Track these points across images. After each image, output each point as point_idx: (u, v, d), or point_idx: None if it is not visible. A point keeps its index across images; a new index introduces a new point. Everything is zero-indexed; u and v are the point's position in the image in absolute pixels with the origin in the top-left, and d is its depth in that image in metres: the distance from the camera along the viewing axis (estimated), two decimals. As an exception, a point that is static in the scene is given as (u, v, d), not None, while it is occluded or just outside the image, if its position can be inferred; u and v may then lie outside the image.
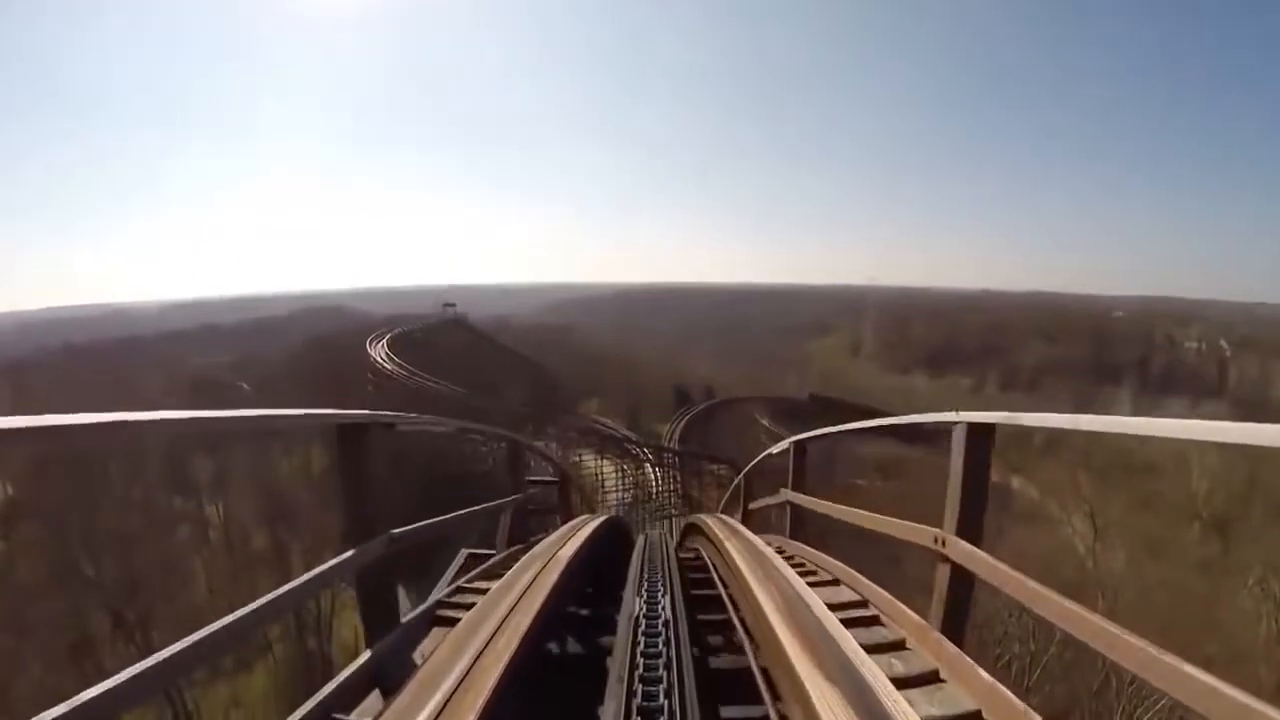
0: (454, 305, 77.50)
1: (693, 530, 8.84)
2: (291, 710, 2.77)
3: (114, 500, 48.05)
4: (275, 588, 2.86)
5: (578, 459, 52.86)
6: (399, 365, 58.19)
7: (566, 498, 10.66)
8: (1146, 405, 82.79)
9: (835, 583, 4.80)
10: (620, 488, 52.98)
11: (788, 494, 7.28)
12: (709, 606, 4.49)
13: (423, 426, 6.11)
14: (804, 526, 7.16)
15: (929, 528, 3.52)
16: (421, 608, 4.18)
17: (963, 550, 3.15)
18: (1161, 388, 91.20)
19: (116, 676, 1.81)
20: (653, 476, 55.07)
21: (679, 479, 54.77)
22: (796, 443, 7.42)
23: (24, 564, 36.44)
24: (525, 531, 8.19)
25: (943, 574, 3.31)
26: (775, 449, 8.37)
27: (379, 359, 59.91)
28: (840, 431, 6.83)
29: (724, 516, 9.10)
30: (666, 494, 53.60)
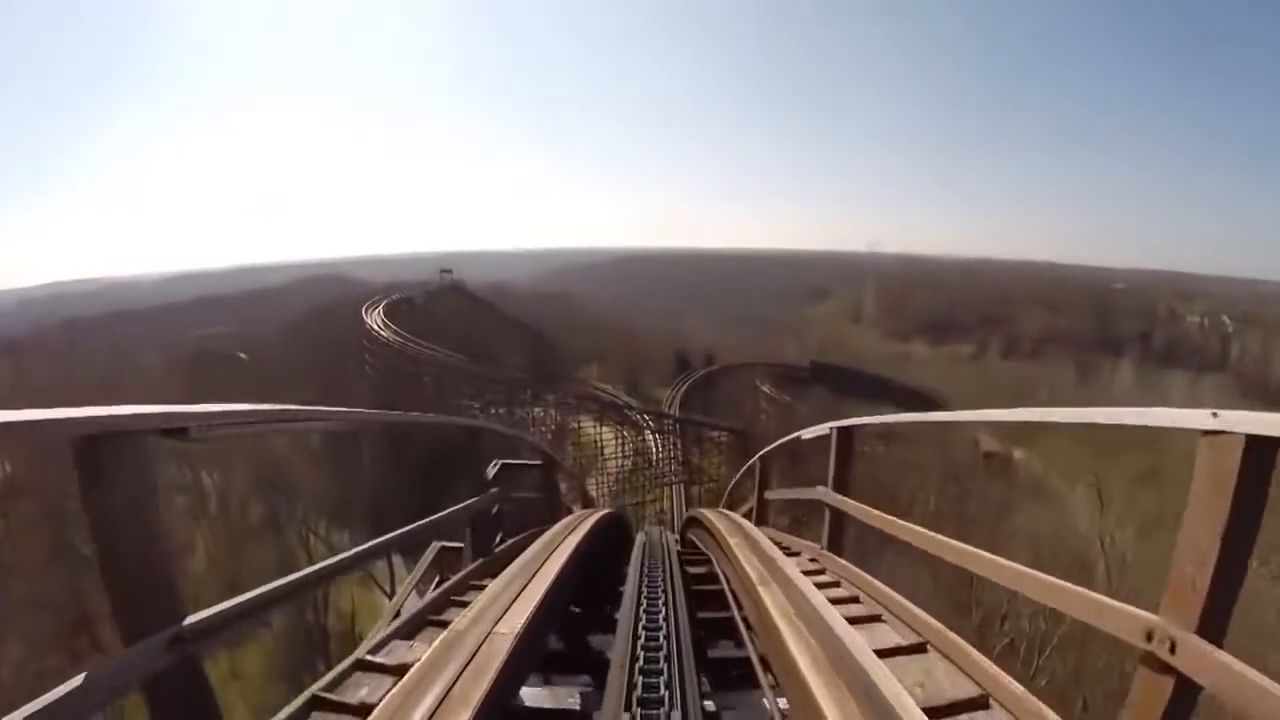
0: (450, 271, 75.96)
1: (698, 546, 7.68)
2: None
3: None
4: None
5: (577, 425, 52.03)
6: (395, 333, 56.99)
7: (553, 490, 9.11)
8: (1148, 378, 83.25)
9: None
10: (620, 455, 52.18)
11: (825, 493, 5.18)
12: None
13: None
14: (845, 536, 5.13)
15: (1140, 613, 1.94)
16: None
17: (1209, 661, 1.68)
18: (1163, 361, 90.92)
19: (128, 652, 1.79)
20: (653, 443, 54.23)
21: (679, 445, 53.90)
22: (840, 429, 5.23)
23: (19, 540, 35.94)
24: (501, 527, 7.08)
25: (1154, 686, 1.85)
26: (808, 433, 6.32)
27: (375, 326, 58.69)
28: (898, 422, 6.16)
29: (736, 517, 7.40)
30: (667, 461, 52.79)
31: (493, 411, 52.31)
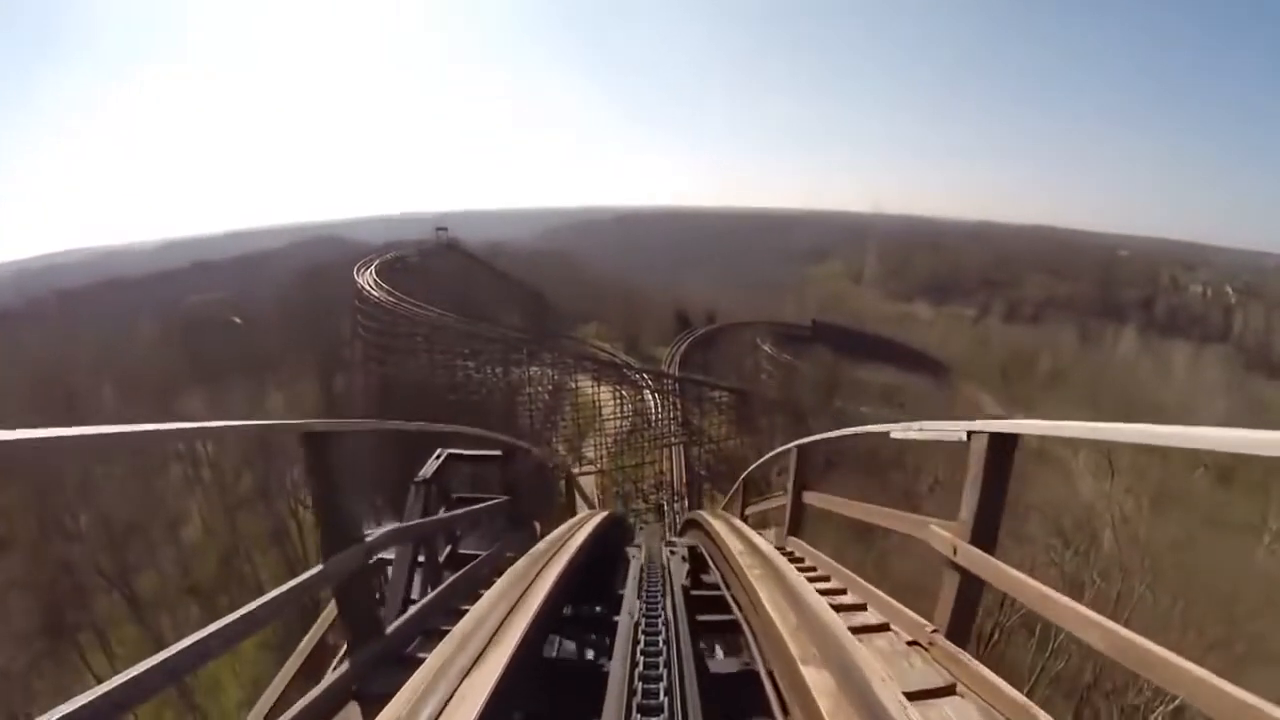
0: (445, 229, 73.57)
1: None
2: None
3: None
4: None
5: (574, 385, 50.52)
6: (387, 292, 55.06)
7: (521, 491, 6.86)
8: (1151, 345, 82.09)
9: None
10: (618, 415, 50.74)
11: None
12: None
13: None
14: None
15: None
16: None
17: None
18: (1166, 329, 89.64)
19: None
20: (652, 403, 52.76)
21: (679, 406, 52.43)
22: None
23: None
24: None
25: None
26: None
27: (367, 287, 56.72)
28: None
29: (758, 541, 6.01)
30: (666, 421, 51.35)
31: (488, 371, 50.77)
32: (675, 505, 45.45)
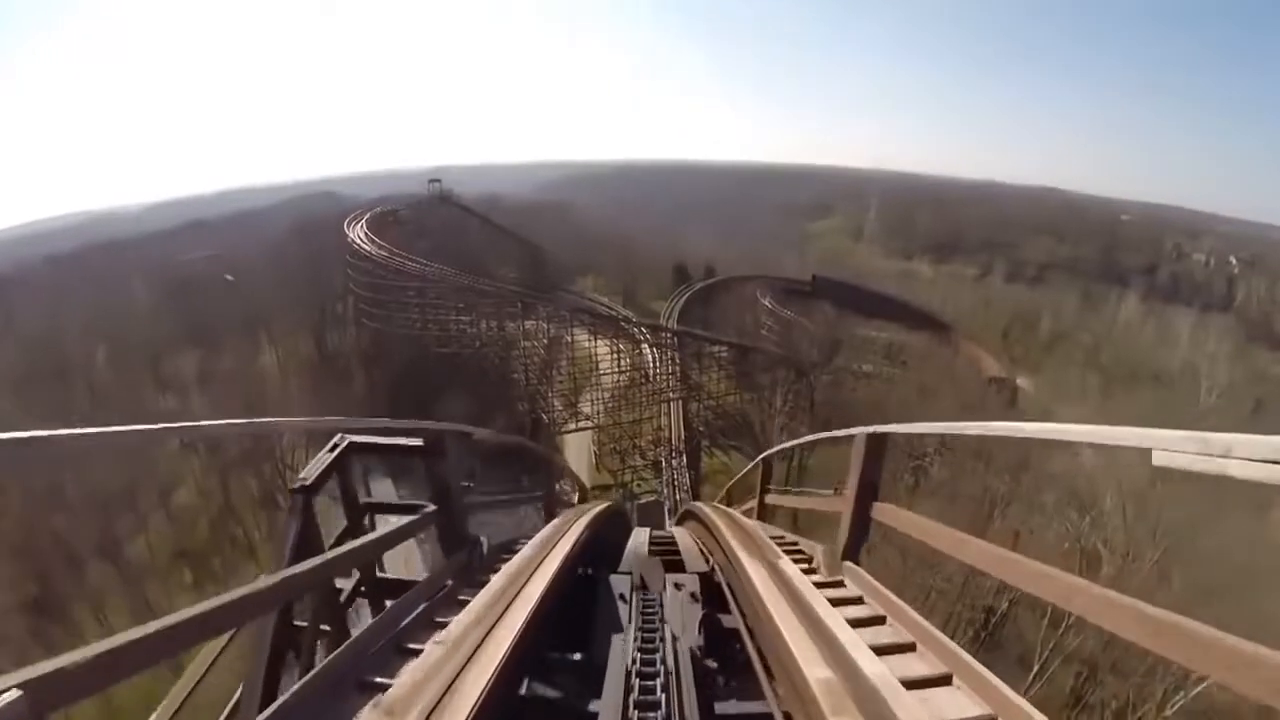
0: (439, 181, 70.92)
1: None
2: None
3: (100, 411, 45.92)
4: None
5: (570, 339, 48.90)
6: (379, 246, 53.00)
7: (447, 501, 4.25)
8: (1153, 312, 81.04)
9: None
10: (616, 370, 49.22)
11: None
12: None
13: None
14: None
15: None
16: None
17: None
18: (1168, 297, 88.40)
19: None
20: (650, 358, 51.19)
21: (678, 360, 50.87)
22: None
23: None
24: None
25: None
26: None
27: (358, 241, 54.62)
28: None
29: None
30: (665, 377, 49.85)
31: (482, 326, 49.09)
32: (674, 462, 44.21)
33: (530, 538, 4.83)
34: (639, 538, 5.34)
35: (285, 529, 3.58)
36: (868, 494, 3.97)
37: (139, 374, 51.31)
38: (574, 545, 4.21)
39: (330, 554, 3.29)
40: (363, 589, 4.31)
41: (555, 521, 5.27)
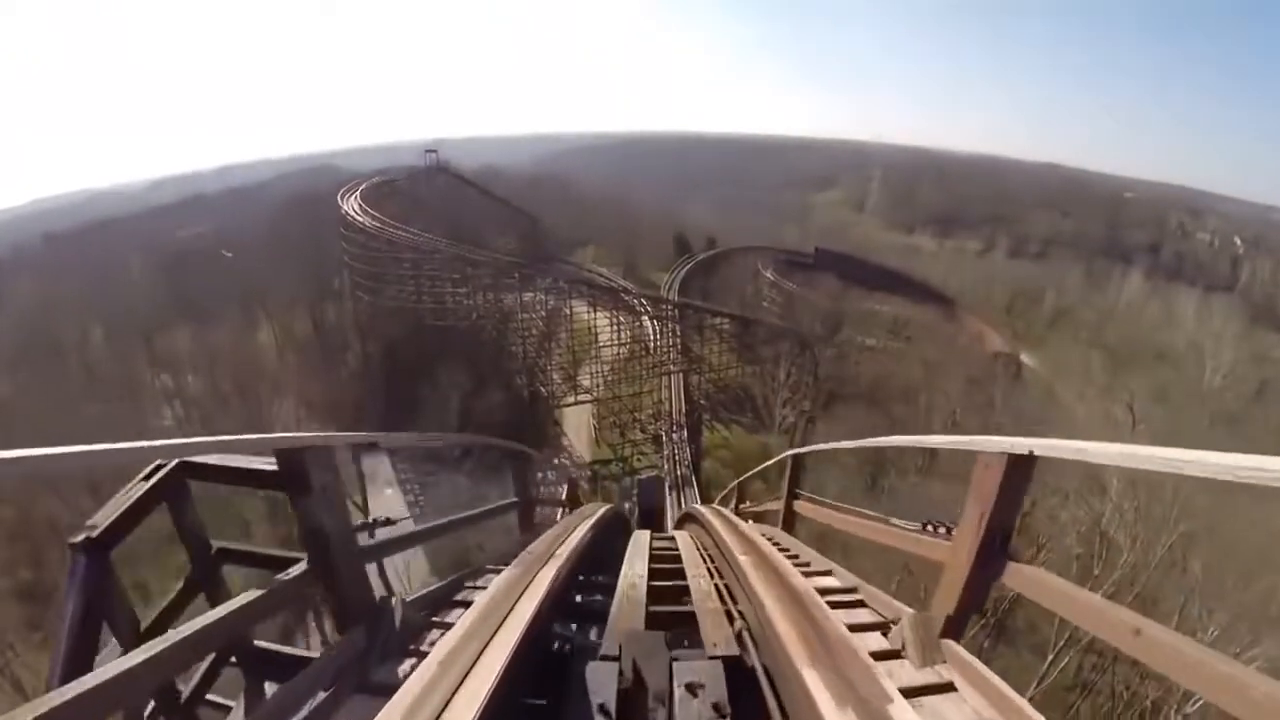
0: (435, 152, 68.78)
1: None
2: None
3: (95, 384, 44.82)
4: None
5: (569, 311, 47.39)
6: (373, 218, 51.32)
7: (325, 551, 2.62)
8: (1157, 290, 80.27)
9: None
10: (616, 342, 47.79)
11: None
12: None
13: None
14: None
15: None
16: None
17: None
18: (1171, 275, 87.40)
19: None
20: (650, 330, 49.76)
21: (679, 332, 49.45)
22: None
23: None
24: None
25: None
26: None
27: (352, 212, 52.90)
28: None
29: None
30: (665, 349, 48.46)
31: (479, 297, 47.60)
32: (674, 436, 42.98)
33: (484, 576, 3.70)
34: (635, 565, 3.91)
35: (64, 602, 2.25)
36: (995, 542, 2.47)
37: (133, 351, 50.21)
38: (542, 601, 2.73)
39: (122, 661, 1.87)
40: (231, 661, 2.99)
41: (527, 554, 3.77)
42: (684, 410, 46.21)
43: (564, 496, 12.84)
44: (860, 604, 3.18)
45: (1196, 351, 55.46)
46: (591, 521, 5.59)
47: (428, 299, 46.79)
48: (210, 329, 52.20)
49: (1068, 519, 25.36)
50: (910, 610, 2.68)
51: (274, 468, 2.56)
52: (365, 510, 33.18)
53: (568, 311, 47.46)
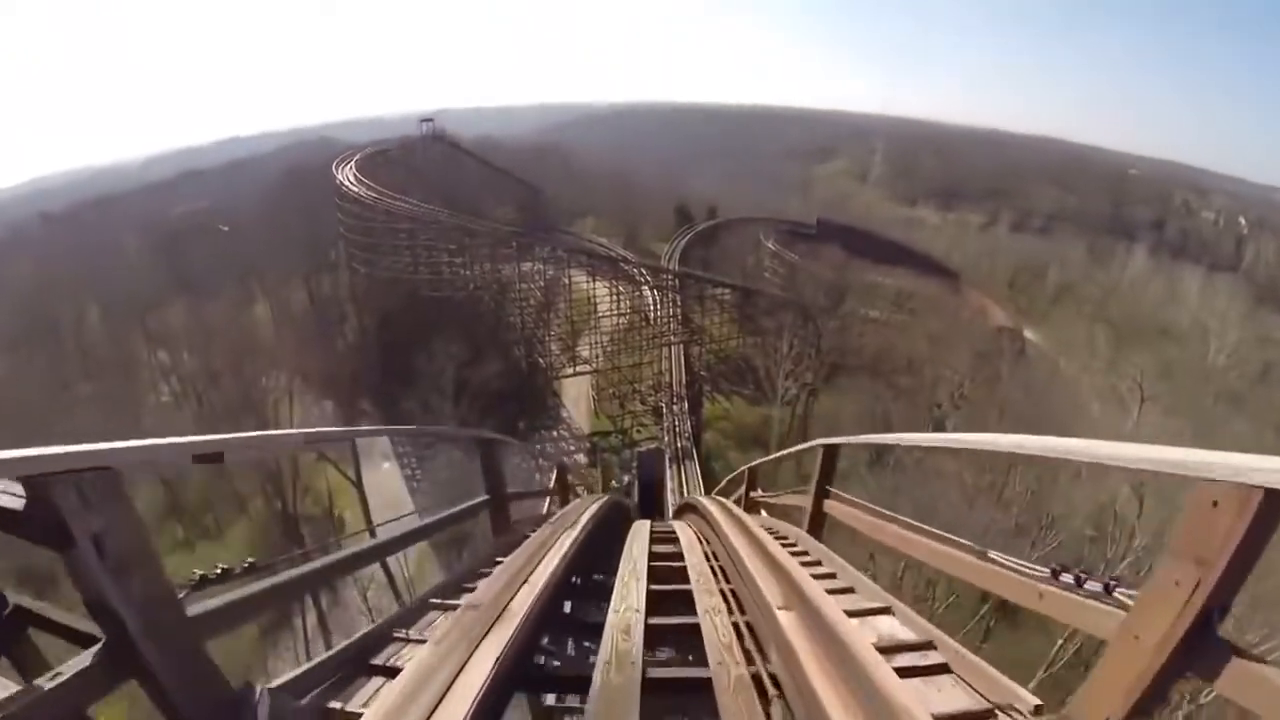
0: (431, 120, 67.05)
1: None
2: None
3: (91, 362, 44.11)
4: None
5: (567, 281, 46.23)
6: (368, 188, 50.03)
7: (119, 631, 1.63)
8: (1161, 267, 78.73)
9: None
10: (615, 312, 46.67)
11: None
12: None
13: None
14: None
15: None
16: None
17: None
18: (1175, 253, 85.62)
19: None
20: (651, 300, 48.62)
21: (679, 303, 48.32)
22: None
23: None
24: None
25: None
26: None
27: (346, 183, 51.59)
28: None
29: None
30: (666, 320, 47.37)
31: (476, 268, 46.44)
32: (675, 408, 42.06)
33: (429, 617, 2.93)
34: (630, 593, 2.95)
35: None
36: (1208, 621, 1.57)
37: (130, 330, 49.42)
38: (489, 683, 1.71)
39: None
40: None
41: (469, 608, 2.70)
42: (684, 381, 45.28)
43: (551, 483, 11.55)
44: (944, 669, 2.18)
45: (1201, 330, 54.56)
46: (577, 532, 4.57)
47: (424, 269, 45.69)
48: (206, 304, 51.31)
49: (1080, 499, 24.53)
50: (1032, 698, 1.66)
51: (18, 504, 1.56)
52: (360, 488, 32.61)
53: (566, 281, 46.32)
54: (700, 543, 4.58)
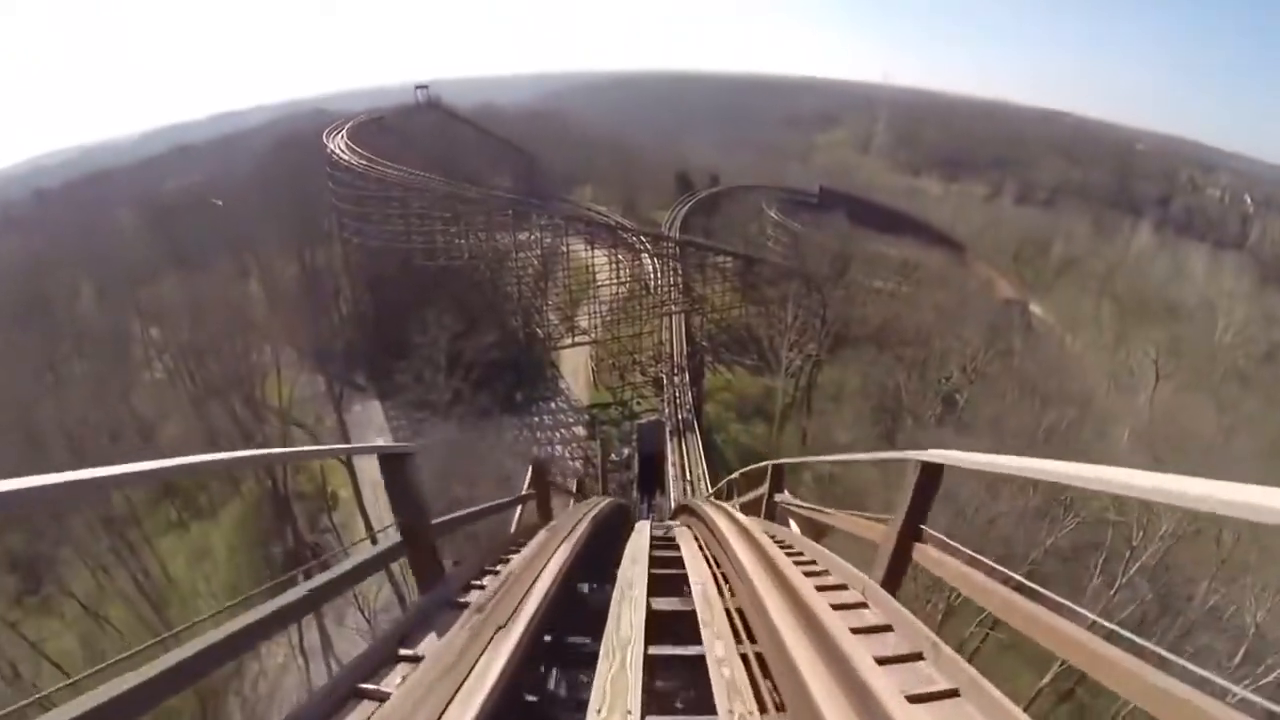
0: (426, 87, 64.65)
1: None
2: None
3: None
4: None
5: (566, 250, 44.49)
6: (361, 156, 48.02)
7: None
8: (1167, 243, 77.57)
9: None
10: (614, 280, 45.02)
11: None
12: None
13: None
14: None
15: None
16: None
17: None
18: (1181, 229, 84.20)
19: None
20: (651, 269, 46.94)
21: (680, 271, 46.63)
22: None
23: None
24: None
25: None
26: None
27: (338, 151, 49.53)
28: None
29: None
30: (666, 288, 45.74)
31: (471, 237, 44.66)
32: (675, 379, 40.61)
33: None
34: (626, 622, 1.59)
35: None
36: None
37: (123, 307, 48.07)
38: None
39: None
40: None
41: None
42: (685, 352, 43.81)
43: (527, 484, 8.50)
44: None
45: (1207, 308, 53.28)
46: (550, 580, 3.22)
47: (417, 238, 43.92)
48: (200, 279, 49.87)
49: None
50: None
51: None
52: (349, 461, 31.33)
53: (564, 250, 44.60)
54: (731, 634, 2.98)
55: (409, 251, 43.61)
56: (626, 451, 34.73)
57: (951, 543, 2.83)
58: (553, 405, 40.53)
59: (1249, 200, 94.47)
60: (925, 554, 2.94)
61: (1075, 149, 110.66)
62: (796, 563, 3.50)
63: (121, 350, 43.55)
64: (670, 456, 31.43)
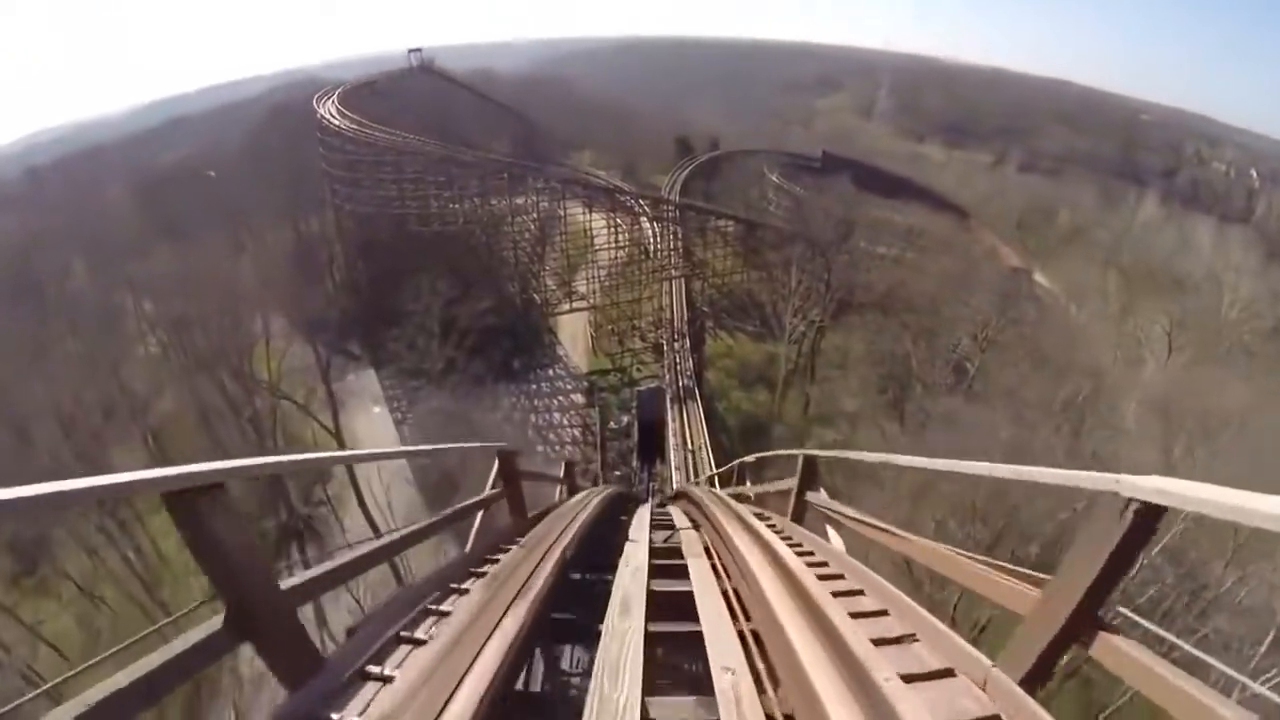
0: (420, 50, 62.52)
1: None
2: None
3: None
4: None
5: (563, 214, 43.02)
6: (351, 120, 46.36)
7: None
8: (1173, 215, 75.64)
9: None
10: (613, 245, 43.61)
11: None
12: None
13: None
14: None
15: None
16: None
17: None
18: (1186, 202, 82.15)
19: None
20: (650, 233, 45.51)
21: (680, 235, 45.20)
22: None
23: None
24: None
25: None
26: None
27: (328, 116, 47.84)
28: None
29: None
30: (666, 252, 44.34)
31: (466, 202, 43.15)
32: (675, 345, 39.44)
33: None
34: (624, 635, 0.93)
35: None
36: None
37: (115, 283, 47.01)
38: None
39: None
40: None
41: None
42: (686, 317, 42.61)
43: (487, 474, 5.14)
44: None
45: (1213, 281, 52.04)
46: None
47: (411, 203, 42.50)
48: (192, 252, 48.73)
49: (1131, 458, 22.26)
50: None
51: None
52: (337, 434, 30.40)
53: (562, 214, 43.14)
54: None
55: (402, 217, 42.27)
56: (626, 419, 33.78)
57: (1160, 631, 1.88)
58: (550, 372, 39.45)
59: (1255, 175, 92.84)
60: (1110, 647, 1.80)
61: (1080, 118, 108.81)
62: (878, 642, 2.29)
63: (114, 326, 42.55)
64: (671, 424, 30.46)
